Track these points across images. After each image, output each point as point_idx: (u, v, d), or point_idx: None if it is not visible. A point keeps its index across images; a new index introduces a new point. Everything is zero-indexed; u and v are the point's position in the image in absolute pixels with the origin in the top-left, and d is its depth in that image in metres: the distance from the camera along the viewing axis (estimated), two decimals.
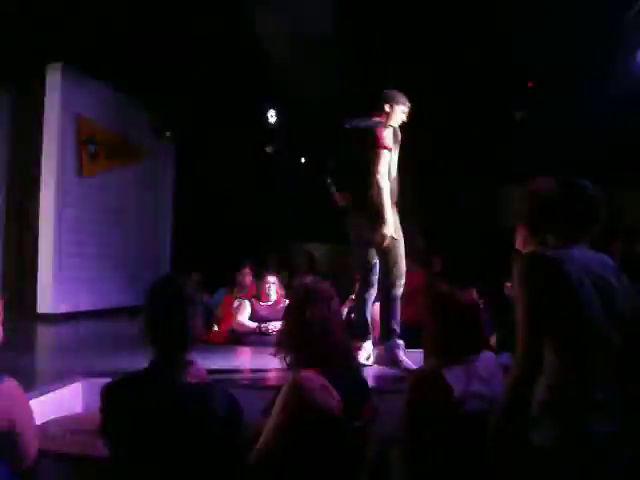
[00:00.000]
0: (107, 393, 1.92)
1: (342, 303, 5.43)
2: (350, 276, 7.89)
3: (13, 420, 1.98)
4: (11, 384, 2.02)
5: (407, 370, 3.71)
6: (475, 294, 5.04)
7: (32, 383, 3.68)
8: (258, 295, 5.61)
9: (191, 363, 1.94)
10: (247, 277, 6.28)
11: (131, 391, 1.90)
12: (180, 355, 1.92)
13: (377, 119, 4.06)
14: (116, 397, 1.91)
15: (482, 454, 2.50)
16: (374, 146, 3.94)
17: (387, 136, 3.97)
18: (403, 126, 4.16)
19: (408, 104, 4.13)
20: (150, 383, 1.88)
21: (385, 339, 4.04)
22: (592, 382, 1.84)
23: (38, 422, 2.32)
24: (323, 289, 2.39)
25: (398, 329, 4.01)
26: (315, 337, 2.27)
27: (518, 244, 3.73)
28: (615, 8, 5.92)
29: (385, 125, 4.01)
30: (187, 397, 1.84)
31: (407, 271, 4.11)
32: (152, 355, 1.93)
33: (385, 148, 3.94)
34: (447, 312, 2.54)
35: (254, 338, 5.34)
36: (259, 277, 6.13)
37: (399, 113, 4.11)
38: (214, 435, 1.83)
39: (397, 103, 4.11)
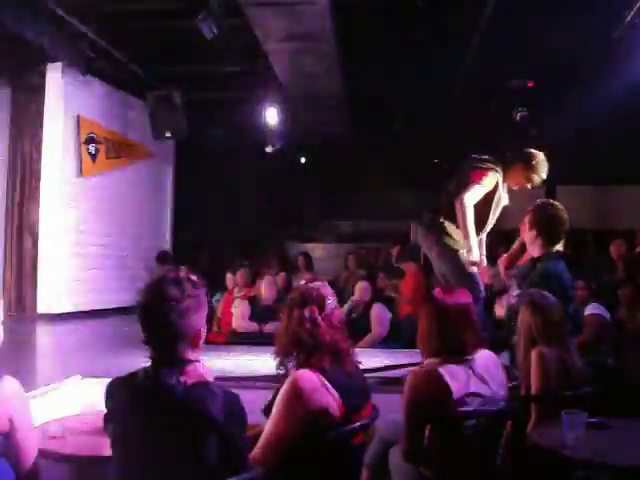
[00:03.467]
0: (109, 390, 1.92)
1: (342, 303, 5.44)
2: (350, 276, 7.89)
3: (13, 420, 1.98)
4: (11, 384, 2.02)
5: None
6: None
7: (32, 383, 3.69)
8: (257, 295, 5.61)
9: (190, 362, 1.93)
10: (242, 278, 6.28)
11: (130, 389, 1.90)
12: (175, 354, 1.90)
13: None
14: (116, 394, 1.91)
15: (482, 453, 2.50)
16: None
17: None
18: None
19: (534, 173, 4.08)
20: (147, 382, 1.87)
21: None
22: None
23: (38, 422, 2.32)
24: (320, 290, 2.38)
25: None
26: (313, 337, 2.27)
27: (529, 249, 3.69)
28: (615, 8, 5.92)
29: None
30: (183, 397, 1.83)
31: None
32: (150, 353, 1.92)
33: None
34: (442, 312, 2.54)
35: (254, 338, 5.34)
36: (256, 277, 6.14)
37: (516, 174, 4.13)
38: (214, 436, 1.82)
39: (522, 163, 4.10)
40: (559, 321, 2.92)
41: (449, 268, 4.14)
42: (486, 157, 4.11)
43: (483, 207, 4.06)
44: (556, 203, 3.67)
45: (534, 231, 3.52)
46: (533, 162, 4.03)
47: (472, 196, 3.96)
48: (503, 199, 4.18)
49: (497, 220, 4.30)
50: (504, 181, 4.13)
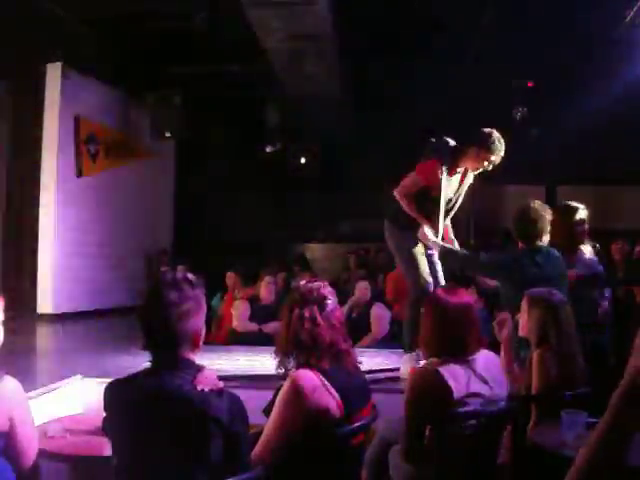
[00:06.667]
0: (108, 391, 1.92)
1: (342, 303, 5.44)
2: (350, 276, 7.90)
3: (13, 420, 1.98)
4: (11, 384, 2.02)
5: None
6: (474, 294, 5.07)
7: (32, 383, 3.68)
8: (257, 295, 5.61)
9: (194, 364, 1.92)
10: (231, 281, 6.29)
11: (132, 392, 1.89)
12: (177, 356, 1.90)
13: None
14: (116, 396, 1.91)
15: (482, 453, 2.50)
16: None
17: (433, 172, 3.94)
18: None
19: (490, 154, 3.89)
20: (149, 385, 1.87)
21: (411, 349, 4.06)
22: None
23: (38, 422, 2.32)
24: (320, 290, 2.38)
25: None
26: (313, 337, 2.27)
27: None
28: (615, 8, 5.92)
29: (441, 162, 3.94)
30: (189, 399, 1.82)
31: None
32: (150, 356, 1.93)
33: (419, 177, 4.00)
34: (444, 312, 2.54)
35: (254, 338, 5.34)
36: (256, 278, 6.15)
37: (472, 158, 3.98)
38: (219, 437, 1.81)
39: (475, 147, 3.95)
40: (567, 318, 2.91)
41: (398, 260, 4.18)
42: (438, 143, 4.07)
43: (435, 194, 4.01)
44: (534, 205, 3.68)
45: (514, 233, 3.71)
46: (488, 143, 3.88)
47: (404, 189, 4.00)
48: (453, 186, 4.09)
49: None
50: (458, 166, 4.02)
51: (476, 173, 4.11)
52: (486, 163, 3.92)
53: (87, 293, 7.75)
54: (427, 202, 4.00)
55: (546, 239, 3.66)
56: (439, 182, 3.94)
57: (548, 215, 3.65)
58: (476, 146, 3.91)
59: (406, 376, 3.88)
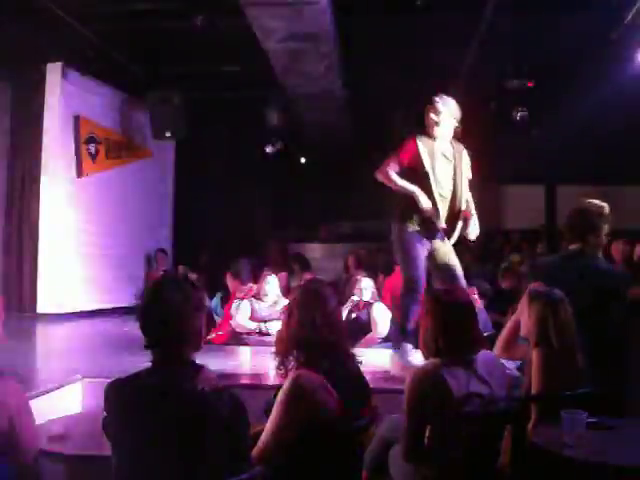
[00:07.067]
0: (109, 390, 1.92)
1: (342, 303, 5.44)
2: (350, 277, 7.89)
3: (13, 420, 1.99)
4: (11, 384, 2.02)
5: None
6: (475, 294, 5.07)
7: (32, 383, 3.69)
8: (258, 295, 5.61)
9: (195, 364, 1.93)
10: (230, 282, 6.29)
11: (133, 392, 1.89)
12: (179, 356, 1.91)
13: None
14: (116, 395, 1.91)
15: (482, 453, 2.50)
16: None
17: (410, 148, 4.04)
18: None
19: (434, 104, 4.13)
20: (151, 385, 1.87)
21: (397, 344, 4.10)
22: None
23: (38, 422, 2.32)
24: (321, 290, 2.39)
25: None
26: (314, 337, 2.27)
27: None
28: (614, 8, 5.93)
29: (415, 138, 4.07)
30: (192, 399, 1.83)
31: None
32: (151, 356, 1.93)
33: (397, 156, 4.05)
34: (444, 312, 2.54)
35: (254, 338, 5.34)
36: (256, 277, 6.13)
37: (428, 119, 4.15)
38: (222, 436, 1.82)
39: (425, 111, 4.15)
40: (567, 316, 2.90)
41: (396, 255, 4.20)
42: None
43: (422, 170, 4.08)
44: (585, 206, 3.60)
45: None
46: (430, 101, 4.12)
47: (385, 167, 4.07)
48: (440, 159, 4.16)
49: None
50: (427, 132, 4.15)
51: (457, 137, 4.22)
52: (437, 117, 4.11)
53: (87, 293, 7.75)
54: (416, 182, 4.03)
55: (594, 242, 3.46)
56: (420, 156, 4.03)
57: (596, 218, 3.49)
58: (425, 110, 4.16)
59: (396, 373, 3.91)
